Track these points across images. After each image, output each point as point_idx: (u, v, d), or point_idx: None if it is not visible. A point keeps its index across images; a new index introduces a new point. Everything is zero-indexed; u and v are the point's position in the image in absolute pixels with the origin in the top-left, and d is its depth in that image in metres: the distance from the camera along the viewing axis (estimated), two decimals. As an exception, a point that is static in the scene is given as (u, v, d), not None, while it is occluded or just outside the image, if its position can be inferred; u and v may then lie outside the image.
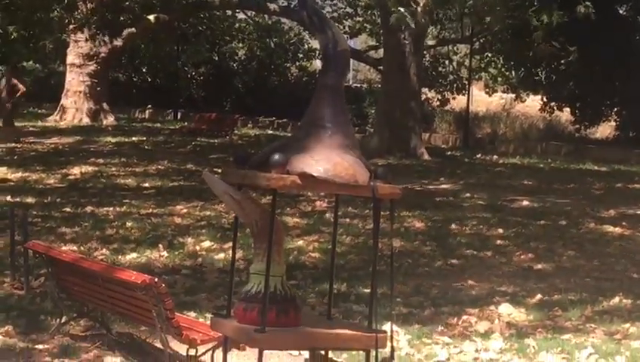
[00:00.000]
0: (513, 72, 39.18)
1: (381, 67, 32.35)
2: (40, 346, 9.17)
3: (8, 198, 16.65)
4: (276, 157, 3.98)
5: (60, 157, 22.97)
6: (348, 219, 14.83)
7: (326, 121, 4.08)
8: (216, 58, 44.50)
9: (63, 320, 9.78)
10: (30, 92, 42.22)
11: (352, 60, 32.30)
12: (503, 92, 41.19)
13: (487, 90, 41.18)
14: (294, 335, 4.13)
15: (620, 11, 35.04)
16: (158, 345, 8.72)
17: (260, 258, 4.09)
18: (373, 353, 4.10)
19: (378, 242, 4.22)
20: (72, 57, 33.44)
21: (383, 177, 4.01)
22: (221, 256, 13.01)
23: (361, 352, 4.23)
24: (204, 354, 8.31)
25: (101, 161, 22.88)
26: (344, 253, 13.02)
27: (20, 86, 28.19)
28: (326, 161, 3.97)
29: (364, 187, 4.01)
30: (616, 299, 12.00)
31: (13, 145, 24.91)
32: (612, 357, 9.70)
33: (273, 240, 4.04)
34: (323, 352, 4.24)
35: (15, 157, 22.44)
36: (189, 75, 43.88)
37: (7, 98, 27.82)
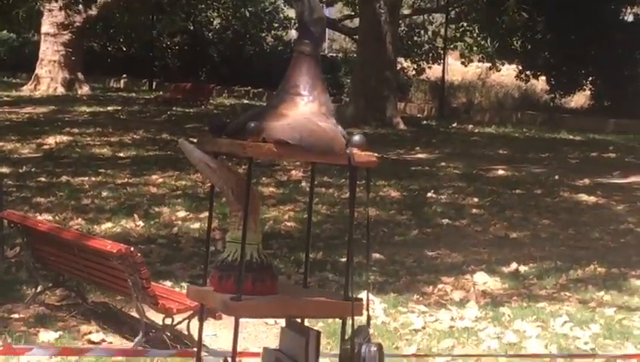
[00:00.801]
0: (489, 41, 39.19)
1: (357, 36, 32.34)
2: (15, 315, 9.17)
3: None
4: (252, 125, 3.97)
5: (34, 127, 22.90)
6: (324, 189, 14.84)
7: (302, 88, 4.06)
8: (192, 27, 44.36)
9: (39, 289, 9.78)
10: (4, 62, 42.14)
11: (327, 30, 32.28)
12: (479, 61, 41.22)
13: (463, 59, 41.13)
14: (270, 304, 4.13)
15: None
16: (134, 314, 8.73)
17: (235, 226, 4.07)
18: (349, 321, 4.09)
19: (354, 211, 4.20)
20: (46, 27, 33.32)
21: (359, 145, 3.99)
22: (197, 225, 13.03)
23: (337, 320, 4.22)
24: (180, 322, 8.33)
25: (76, 130, 22.82)
26: (320, 223, 13.04)
27: None
28: (302, 128, 3.96)
29: (340, 155, 4.00)
30: (591, 268, 12.06)
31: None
32: (586, 324, 9.75)
33: (249, 208, 4.02)
34: (299, 320, 4.23)
35: (-11, 127, 22.35)
36: (164, 45, 43.78)
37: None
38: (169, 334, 8.26)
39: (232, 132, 4.18)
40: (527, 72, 36.98)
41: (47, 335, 8.50)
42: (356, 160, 3.96)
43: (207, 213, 4.29)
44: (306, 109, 3.98)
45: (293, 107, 4.01)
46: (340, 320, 4.11)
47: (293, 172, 17.20)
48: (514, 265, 11.96)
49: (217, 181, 4.12)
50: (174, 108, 29.85)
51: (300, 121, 3.92)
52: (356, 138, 3.99)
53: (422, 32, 41.45)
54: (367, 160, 3.99)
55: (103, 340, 8.57)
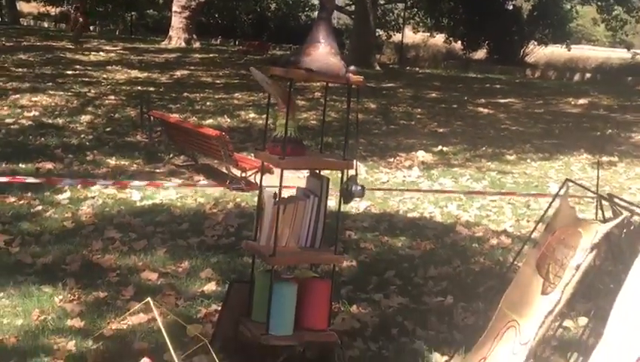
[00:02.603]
0: (429, 20, 38.63)
1: (353, 16, 31.70)
2: (157, 170, 9.22)
3: (138, 88, 16.55)
4: (292, 58, 3.93)
5: (168, 65, 22.72)
6: (333, 102, 14.72)
7: (320, 38, 3.98)
8: (259, 9, 43.70)
9: (171, 156, 9.82)
10: (151, 28, 41.64)
11: (335, 11, 31.84)
12: (423, 32, 40.46)
13: (414, 30, 40.49)
14: (301, 160, 4.12)
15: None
16: (224, 170, 8.76)
17: (281, 118, 4.05)
18: (345, 172, 4.09)
19: (350, 113, 4.18)
20: (175, 7, 32.73)
21: (353, 72, 3.94)
22: (260, 122, 13.00)
23: (337, 172, 4.21)
24: (250, 175, 8.37)
25: (192, 67, 22.64)
26: (330, 121, 13.00)
27: (81, 19, 29.98)
28: (320, 61, 3.91)
29: (342, 77, 3.95)
30: (484, 149, 12.03)
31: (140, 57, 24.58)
32: (479, 180, 9.76)
33: (289, 107, 4.00)
34: (317, 171, 4.23)
35: (143, 65, 22.20)
36: (242, 19, 43.06)
37: (76, 24, 29.15)
38: (244, 182, 8.32)
39: (281, 64, 4.14)
40: (450, 38, 36.58)
41: (175, 181, 8.56)
42: (351, 80, 3.92)
43: (266, 114, 4.25)
44: (322, 50, 3.92)
45: (315, 49, 3.95)
46: (340, 172, 4.12)
47: (316, 93, 17.08)
48: (440, 147, 11.95)
49: (272, 92, 4.08)
50: (248, 56, 29.48)
51: (319, 57, 3.87)
52: (352, 68, 3.94)
53: (390, 13, 40.72)
54: (357, 80, 3.94)
55: (207, 184, 8.63)
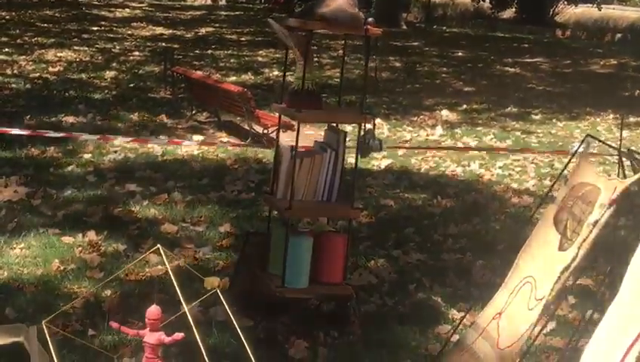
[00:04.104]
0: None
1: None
2: (179, 126, 9.23)
3: (163, 44, 16.49)
4: (310, 9, 3.87)
5: (193, 22, 22.59)
6: (355, 60, 14.55)
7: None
8: None
9: (193, 112, 9.82)
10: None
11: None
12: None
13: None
14: (319, 114, 4.09)
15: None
16: (246, 127, 8.75)
17: (299, 69, 4.00)
18: (363, 126, 4.05)
19: (369, 68, 4.12)
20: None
21: (371, 23, 3.88)
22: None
23: (355, 126, 4.17)
24: (272, 132, 8.35)
25: (217, 25, 22.48)
26: (354, 79, 12.87)
27: None
28: (338, 12, 3.85)
29: (359, 28, 3.89)
30: (509, 108, 11.90)
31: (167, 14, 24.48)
32: (504, 139, 9.68)
33: (307, 58, 3.95)
34: (336, 125, 4.19)
35: (168, 22, 22.10)
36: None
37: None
38: (265, 138, 8.30)
39: (299, 15, 4.09)
40: (479, -3, 35.97)
41: (196, 137, 8.57)
42: (370, 31, 3.86)
43: (283, 68, 4.21)
44: (341, 2, 3.87)
45: (333, 1, 3.90)
46: (358, 125, 4.08)
47: (340, 51, 16.88)
48: (464, 106, 11.84)
49: (290, 43, 4.03)
50: (274, 14, 29.22)
51: (338, 7, 3.81)
52: (370, 19, 3.88)
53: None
54: (375, 32, 3.88)
55: (229, 141, 8.64)
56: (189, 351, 3.02)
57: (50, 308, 3.91)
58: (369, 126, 4.11)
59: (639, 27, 32.77)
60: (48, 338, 2.61)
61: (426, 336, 4.14)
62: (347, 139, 4.11)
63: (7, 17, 19.45)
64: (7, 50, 14.00)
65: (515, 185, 7.38)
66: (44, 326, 2.61)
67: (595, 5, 34.68)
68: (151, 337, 2.61)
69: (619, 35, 30.84)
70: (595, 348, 2.85)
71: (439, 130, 9.92)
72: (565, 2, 34.88)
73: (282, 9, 30.80)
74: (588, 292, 4.52)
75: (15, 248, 4.90)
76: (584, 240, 3.27)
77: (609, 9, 38.79)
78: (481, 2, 36.17)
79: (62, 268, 4.64)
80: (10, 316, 3.98)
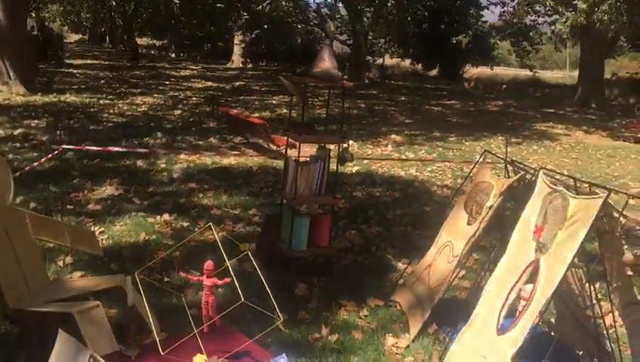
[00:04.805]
0: (400, 49, 37.85)
1: (350, 46, 30.83)
2: (222, 145, 9.05)
3: (211, 92, 16.36)
4: (306, 70, 3.86)
5: (230, 78, 22.47)
6: (335, 102, 14.46)
7: (325, 57, 3.90)
8: (290, 43, 41.71)
9: (231, 136, 9.71)
10: (219, 54, 40.52)
11: (339, 43, 31.00)
12: (397, 57, 39.47)
13: (391, 56, 39.24)
14: (312, 137, 4.06)
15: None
16: (266, 146, 8.68)
17: (300, 111, 3.99)
18: (340, 145, 4.01)
19: (344, 107, 4.10)
20: (235, 41, 32.30)
21: (345, 79, 3.87)
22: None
23: (336, 145, 4.14)
24: (282, 149, 8.25)
25: (246, 80, 22.35)
26: (333, 114, 12.78)
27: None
28: (325, 73, 3.83)
29: (339, 82, 3.87)
30: (434, 133, 11.84)
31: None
32: (431, 153, 9.59)
33: (305, 102, 3.93)
34: (323, 145, 4.16)
35: (215, 78, 21.95)
36: (279, 49, 41.41)
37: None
38: (278, 153, 8.25)
39: (300, 74, 4.07)
40: (414, 62, 35.95)
41: (233, 153, 8.47)
42: (344, 85, 3.85)
43: (289, 108, 4.17)
44: (327, 65, 3.85)
45: (322, 64, 3.88)
46: (337, 145, 4.07)
47: (325, 97, 16.81)
48: (406, 132, 11.78)
49: (294, 93, 4.02)
50: (283, 73, 28.96)
51: (325, 69, 3.80)
52: (344, 76, 3.88)
53: (376, 45, 39.57)
54: (347, 85, 3.86)
55: (255, 155, 8.57)
56: (232, 291, 3.01)
57: (140, 264, 3.90)
58: (345, 145, 4.11)
59: (517, 81, 32.95)
60: (139, 283, 2.60)
61: (382, 281, 4.14)
62: (330, 154, 4.11)
63: (110, 76, 19.34)
64: (110, 97, 13.91)
65: (439, 183, 7.38)
66: (136, 276, 2.60)
67: (489, 66, 34.87)
68: (208, 281, 2.61)
69: (504, 86, 30.96)
70: (492, 287, 2.87)
71: (390, 147, 9.91)
72: (470, 65, 35.03)
73: (288, 70, 30.68)
74: (486, 250, 4.54)
75: (116, 225, 4.87)
76: (483, 219, 3.29)
77: (499, 68, 38.99)
78: (416, 65, 36.19)
79: (147, 238, 4.61)
80: (113, 269, 3.96)
